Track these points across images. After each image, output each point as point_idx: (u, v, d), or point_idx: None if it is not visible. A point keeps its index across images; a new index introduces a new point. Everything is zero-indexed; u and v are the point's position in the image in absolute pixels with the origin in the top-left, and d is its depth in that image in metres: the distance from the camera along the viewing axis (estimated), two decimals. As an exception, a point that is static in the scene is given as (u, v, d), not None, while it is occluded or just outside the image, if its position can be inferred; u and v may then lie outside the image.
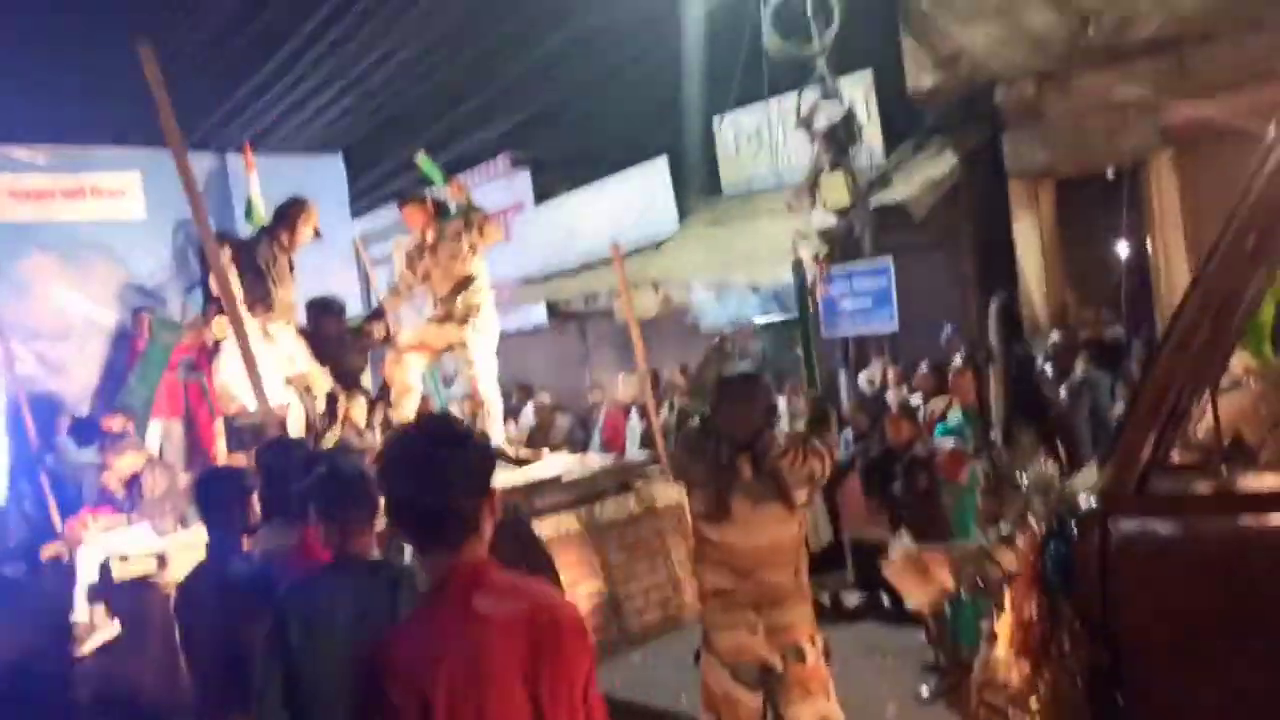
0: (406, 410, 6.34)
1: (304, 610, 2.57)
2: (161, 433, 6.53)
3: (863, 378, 7.49)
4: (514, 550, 3.24)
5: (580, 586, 5.26)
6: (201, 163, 7.37)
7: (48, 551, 5.25)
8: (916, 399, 7.13)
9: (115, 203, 6.93)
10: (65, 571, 5.01)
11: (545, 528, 5.29)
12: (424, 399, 6.54)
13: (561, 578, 4.55)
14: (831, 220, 9.34)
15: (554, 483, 5.66)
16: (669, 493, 5.79)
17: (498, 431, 6.39)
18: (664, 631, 5.51)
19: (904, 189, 9.23)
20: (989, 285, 9.87)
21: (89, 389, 6.83)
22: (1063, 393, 6.83)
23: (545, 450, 6.80)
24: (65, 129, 7.49)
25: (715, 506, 3.29)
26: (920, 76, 9.12)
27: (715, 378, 3.74)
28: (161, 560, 4.79)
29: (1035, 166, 8.87)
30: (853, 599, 6.28)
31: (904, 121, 9.78)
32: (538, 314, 13.96)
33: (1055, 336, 7.81)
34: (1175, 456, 2.22)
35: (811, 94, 9.20)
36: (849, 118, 9.14)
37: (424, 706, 1.70)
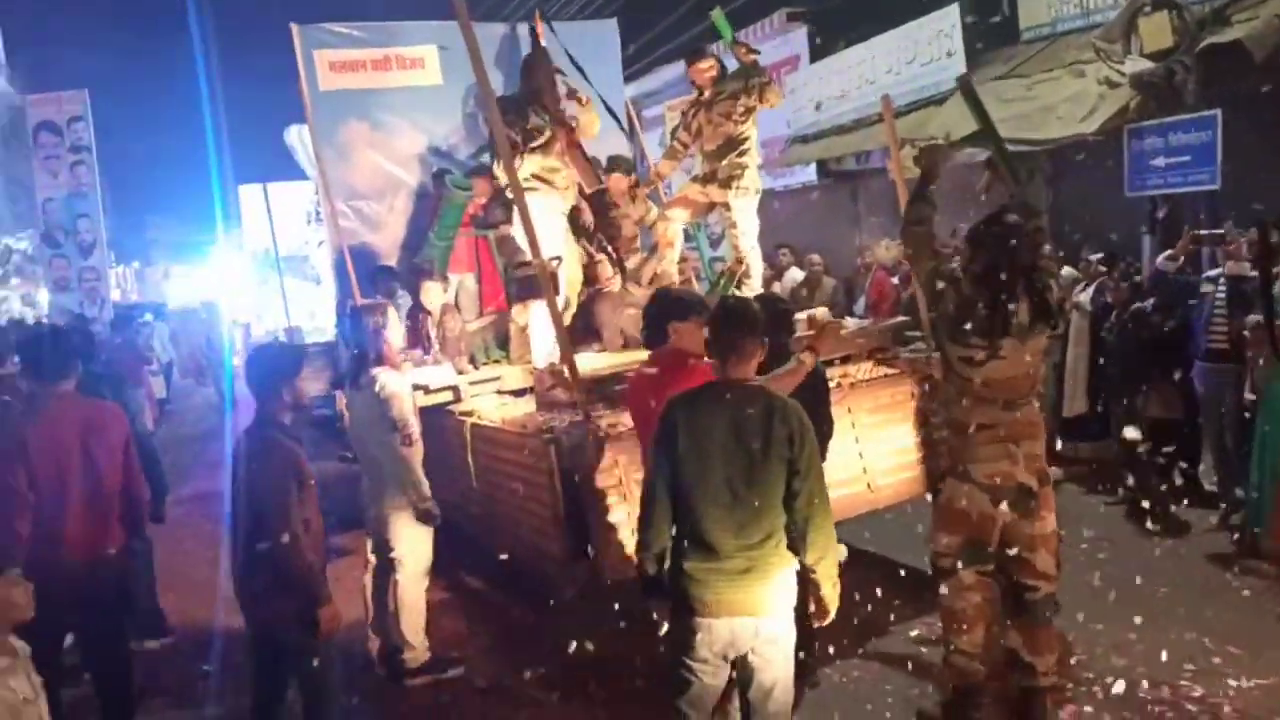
0: (668, 263, 6.61)
1: (688, 417, 3.04)
2: (457, 284, 7.22)
3: (1162, 259, 6.74)
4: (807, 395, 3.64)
5: (833, 442, 5.33)
6: (494, 32, 7.75)
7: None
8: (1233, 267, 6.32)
9: (415, 72, 7.42)
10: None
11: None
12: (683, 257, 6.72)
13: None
14: (1148, 66, 8.25)
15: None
16: (920, 358, 5.67)
17: (756, 291, 6.49)
18: (912, 494, 5.50)
19: (1245, 26, 7.89)
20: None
21: (398, 242, 7.47)
22: None
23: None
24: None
25: (987, 345, 3.62)
26: (1276, -112, 7.61)
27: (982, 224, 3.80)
28: (456, 393, 5.70)
29: None
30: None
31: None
32: (808, 173, 13.68)
33: None
34: None
35: (1134, -80, 8.03)
36: (1179, -54, 7.90)
37: None
